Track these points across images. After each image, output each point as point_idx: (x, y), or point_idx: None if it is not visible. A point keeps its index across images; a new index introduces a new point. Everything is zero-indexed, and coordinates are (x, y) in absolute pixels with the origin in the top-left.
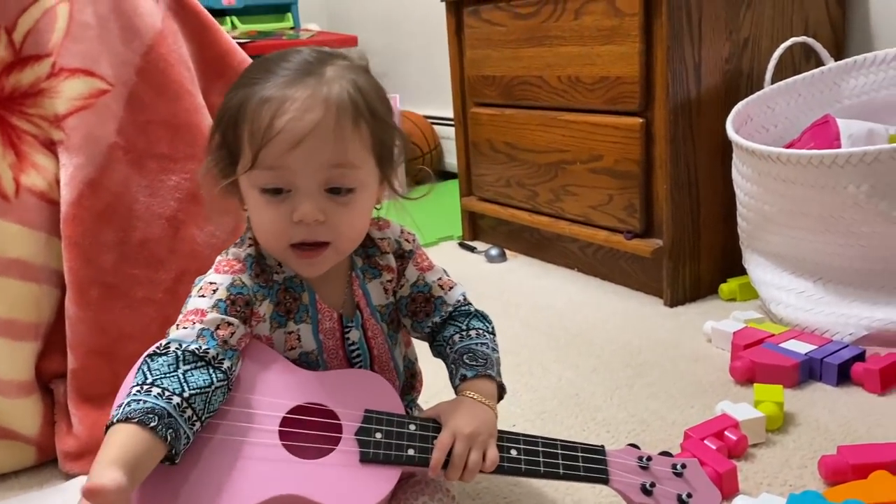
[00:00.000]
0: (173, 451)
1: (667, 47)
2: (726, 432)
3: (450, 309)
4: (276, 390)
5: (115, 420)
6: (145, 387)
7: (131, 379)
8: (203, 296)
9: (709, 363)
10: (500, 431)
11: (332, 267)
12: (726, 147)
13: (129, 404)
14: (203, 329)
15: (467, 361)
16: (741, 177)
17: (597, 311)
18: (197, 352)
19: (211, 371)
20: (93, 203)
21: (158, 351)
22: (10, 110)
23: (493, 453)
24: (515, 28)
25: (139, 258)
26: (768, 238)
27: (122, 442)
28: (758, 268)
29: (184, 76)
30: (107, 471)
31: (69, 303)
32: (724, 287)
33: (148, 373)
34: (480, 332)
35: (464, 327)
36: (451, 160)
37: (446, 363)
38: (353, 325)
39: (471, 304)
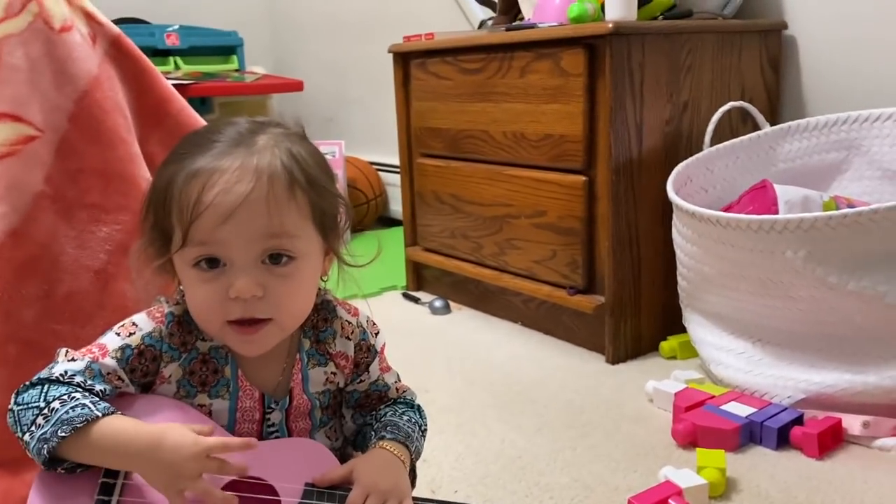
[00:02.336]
0: None
1: (610, 108)
2: (670, 500)
3: (391, 402)
4: None
5: (67, 431)
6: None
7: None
8: (119, 334)
9: (651, 424)
10: (414, 498)
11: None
12: (667, 207)
13: (71, 409)
14: (93, 366)
15: (390, 430)
16: (681, 237)
17: (540, 367)
18: (84, 385)
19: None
20: (14, 254)
21: (48, 379)
22: None
23: None
24: (462, 82)
25: (64, 313)
26: (708, 298)
27: (128, 423)
28: (698, 327)
29: (119, 123)
30: (191, 433)
31: None
32: (664, 345)
33: (76, 394)
34: (413, 420)
35: (399, 410)
36: (396, 207)
37: (367, 433)
38: (276, 407)
39: (415, 401)
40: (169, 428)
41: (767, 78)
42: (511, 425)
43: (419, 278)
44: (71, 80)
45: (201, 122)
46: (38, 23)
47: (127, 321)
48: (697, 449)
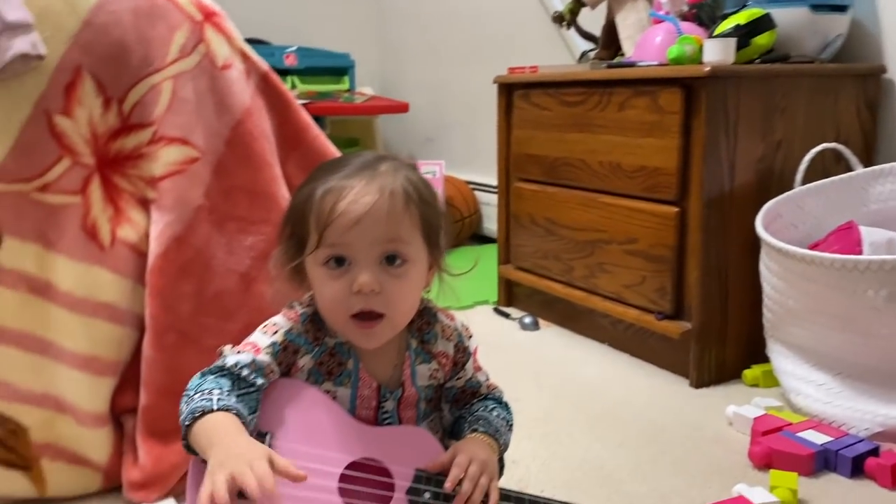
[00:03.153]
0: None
1: (703, 145)
2: None
3: (482, 397)
4: (333, 443)
5: (191, 417)
6: (206, 394)
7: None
8: (265, 333)
9: (729, 446)
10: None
11: (386, 343)
12: (756, 240)
13: (202, 401)
14: (256, 360)
15: (482, 424)
16: (768, 271)
17: (625, 386)
18: (248, 378)
19: (258, 398)
20: (177, 257)
21: (222, 368)
22: (114, 170)
23: (496, 492)
24: (562, 113)
25: (212, 309)
26: (791, 330)
27: (230, 420)
28: (780, 357)
29: (265, 149)
30: (260, 457)
31: (147, 345)
32: (747, 373)
33: (217, 390)
34: (501, 415)
35: (489, 406)
36: (490, 225)
37: (461, 426)
38: (390, 397)
39: (503, 398)
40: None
41: (864, 120)
42: (595, 437)
43: (510, 295)
44: (228, 111)
45: (332, 148)
46: (205, 62)
47: (269, 322)
48: (771, 470)
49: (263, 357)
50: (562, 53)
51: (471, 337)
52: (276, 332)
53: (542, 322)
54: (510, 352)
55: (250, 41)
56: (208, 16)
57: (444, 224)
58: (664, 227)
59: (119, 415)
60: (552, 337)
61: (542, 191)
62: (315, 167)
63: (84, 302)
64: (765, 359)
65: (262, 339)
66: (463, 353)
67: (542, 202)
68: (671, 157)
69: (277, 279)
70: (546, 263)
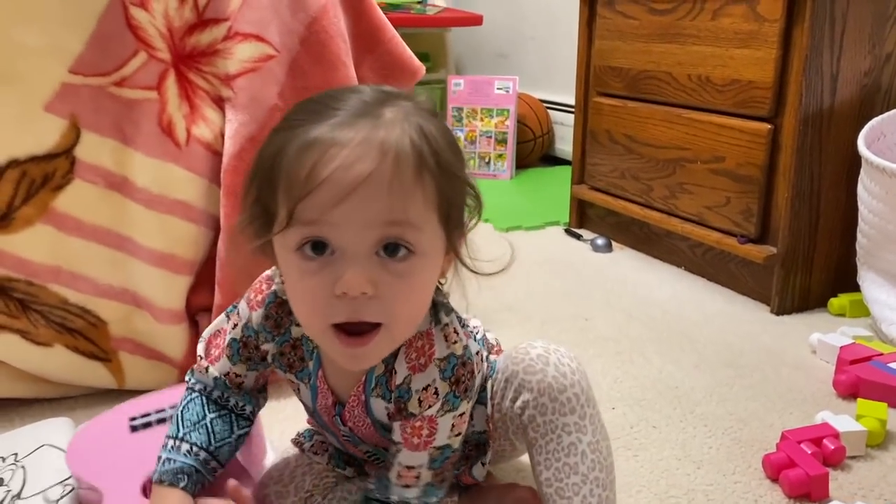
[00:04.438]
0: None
1: (805, 56)
2: (825, 440)
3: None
4: None
5: (154, 479)
6: (177, 442)
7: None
8: (233, 324)
9: (812, 374)
10: None
11: None
12: (854, 161)
13: (163, 463)
14: (216, 378)
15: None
16: (867, 193)
17: (701, 310)
18: (219, 400)
19: (233, 418)
20: (251, 157)
21: (192, 390)
22: (189, 66)
23: None
24: (649, 23)
25: None
26: (887, 257)
27: None
28: (873, 286)
29: (340, 48)
30: None
31: (221, 245)
32: (834, 301)
33: (180, 424)
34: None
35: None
36: (562, 146)
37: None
38: (339, 415)
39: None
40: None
41: None
42: (669, 359)
43: (583, 216)
44: (304, 7)
45: (408, 52)
46: None
47: (236, 307)
48: (858, 399)
49: (222, 365)
50: None
51: (436, 396)
52: (235, 326)
53: (615, 244)
54: (581, 272)
55: None
56: None
57: (471, 196)
58: (754, 144)
59: (195, 313)
60: (626, 259)
61: (622, 106)
62: (302, 103)
63: (160, 199)
64: (852, 288)
65: (227, 334)
66: (398, 410)
67: (622, 118)
68: (767, 70)
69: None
70: (623, 183)
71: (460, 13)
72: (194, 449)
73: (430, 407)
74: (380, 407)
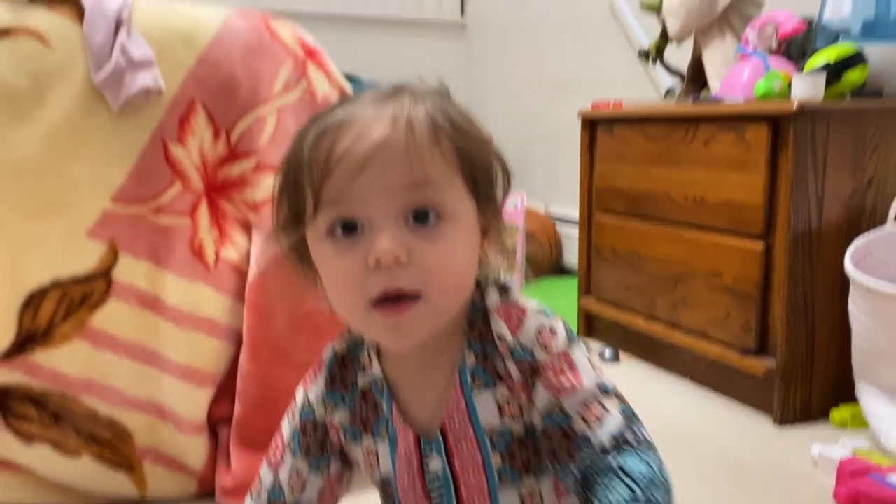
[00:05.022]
0: None
1: (791, 181)
2: None
3: (597, 455)
4: None
5: None
6: None
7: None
8: (290, 415)
9: (813, 486)
10: None
11: (429, 353)
12: (844, 278)
13: None
14: (272, 490)
15: None
16: (857, 309)
17: (706, 421)
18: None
19: None
20: (275, 277)
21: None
22: (220, 195)
23: None
24: (646, 147)
25: (305, 326)
26: (882, 371)
27: None
28: (870, 399)
29: None
30: None
31: (243, 359)
32: (835, 413)
33: None
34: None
35: (615, 488)
36: (569, 258)
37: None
38: (432, 452)
39: (630, 441)
40: None
41: None
42: (673, 470)
43: (590, 327)
44: None
45: None
46: (307, 96)
47: (293, 401)
48: None
49: (284, 465)
50: (647, 88)
51: (549, 342)
52: (292, 415)
53: (622, 355)
54: None
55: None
56: (310, 53)
57: (497, 164)
58: (749, 262)
59: (215, 424)
60: (632, 370)
61: (624, 224)
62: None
63: (188, 316)
64: (854, 399)
65: (286, 431)
66: (532, 374)
67: (624, 235)
68: (757, 193)
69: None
70: (628, 296)
71: None
72: None
73: (554, 346)
74: (488, 404)
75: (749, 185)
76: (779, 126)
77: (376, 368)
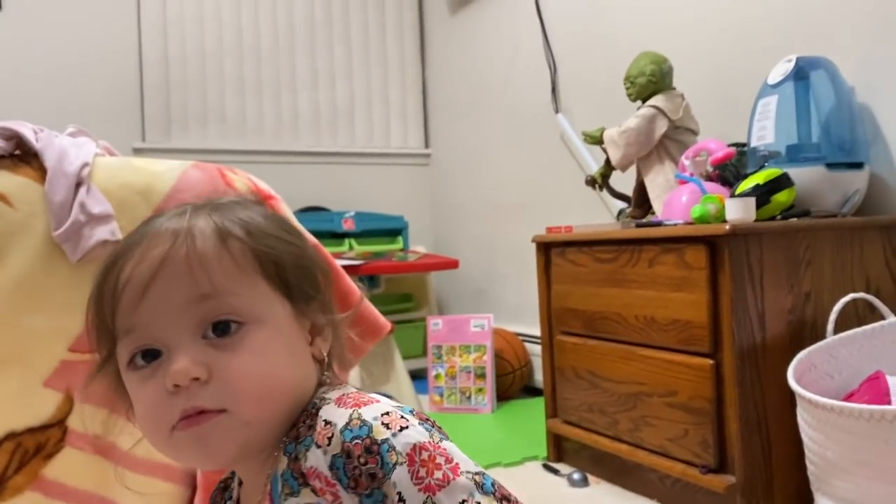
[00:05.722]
0: None
1: (731, 298)
2: None
3: None
4: None
5: None
6: None
7: None
8: None
9: None
10: None
11: (251, 461)
12: (792, 392)
13: None
14: None
15: None
16: (805, 423)
17: None
18: None
19: None
20: None
21: None
22: None
23: None
24: (597, 269)
25: None
26: (835, 483)
27: None
28: None
29: None
30: None
31: (198, 500)
32: None
33: None
34: None
35: None
36: (540, 377)
37: None
38: None
39: None
40: None
41: (894, 269)
42: None
43: (559, 449)
44: None
45: (377, 313)
46: None
47: None
48: None
49: None
50: (601, 211)
51: (403, 429)
52: None
53: (591, 478)
54: None
55: (311, 209)
56: (266, 198)
57: (312, 260)
58: (701, 379)
59: None
60: (601, 495)
61: (583, 344)
62: None
63: (143, 462)
64: None
65: None
66: (368, 458)
67: (583, 355)
68: (701, 311)
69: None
70: (591, 417)
71: (438, 258)
72: None
73: (407, 436)
74: None
75: (693, 303)
76: (715, 247)
77: (235, 489)
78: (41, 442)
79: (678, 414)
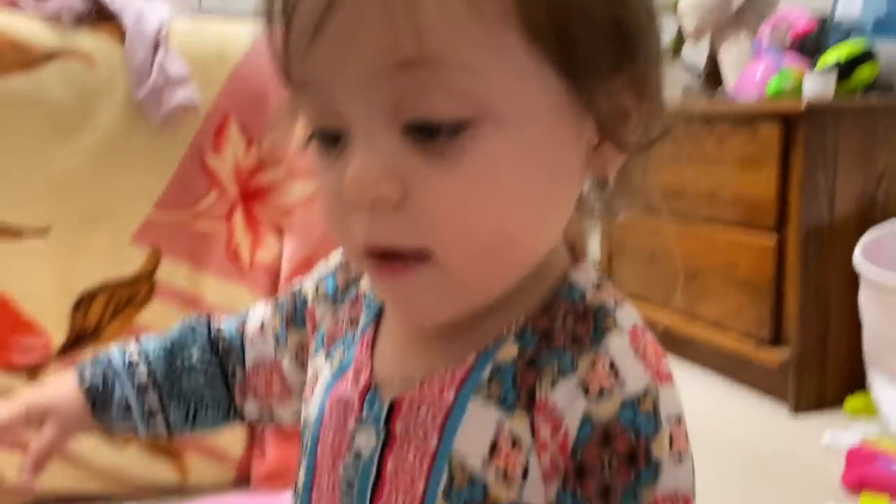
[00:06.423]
0: (97, 411)
1: (801, 178)
2: None
3: None
4: None
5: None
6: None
7: None
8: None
9: (824, 472)
10: None
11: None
12: (856, 271)
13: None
14: (235, 330)
15: None
16: (867, 301)
17: (722, 411)
18: (221, 354)
19: (220, 387)
20: (305, 275)
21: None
22: (254, 201)
23: None
24: (662, 145)
25: None
26: (892, 360)
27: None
28: (882, 386)
29: None
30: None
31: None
32: (849, 401)
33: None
34: None
35: None
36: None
37: None
38: (368, 419)
39: None
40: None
41: None
42: None
43: None
44: None
45: None
46: None
47: None
48: (863, 494)
49: (257, 314)
50: (670, 84)
51: (678, 457)
52: (308, 277)
53: None
54: None
55: None
56: None
57: (638, 12)
58: (763, 256)
59: None
60: None
61: (642, 220)
62: None
63: (226, 314)
64: (867, 388)
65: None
66: (615, 457)
67: (641, 231)
68: (769, 189)
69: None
70: (646, 291)
71: None
72: (140, 368)
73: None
74: (482, 427)
75: (762, 182)
76: (790, 124)
77: (364, 293)
78: (132, 293)
79: (736, 290)
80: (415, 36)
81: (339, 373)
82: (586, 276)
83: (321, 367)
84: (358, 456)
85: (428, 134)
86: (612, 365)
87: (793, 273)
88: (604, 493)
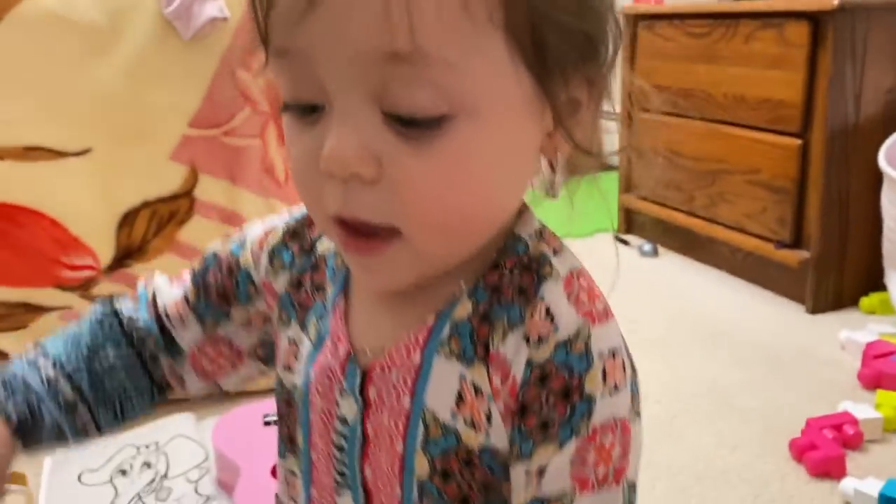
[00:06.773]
0: (28, 442)
1: (829, 78)
2: (844, 426)
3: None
4: None
5: None
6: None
7: None
8: (222, 240)
9: (840, 367)
10: None
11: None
12: (879, 172)
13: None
14: (149, 304)
15: None
16: (889, 202)
17: (741, 311)
18: (134, 339)
19: (140, 370)
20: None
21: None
22: None
23: None
24: (686, 45)
25: None
26: None
27: None
28: None
29: None
30: None
31: None
32: (864, 300)
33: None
34: None
35: None
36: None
37: None
38: (347, 388)
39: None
40: None
41: None
42: (709, 356)
43: (630, 223)
44: None
45: None
46: None
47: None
48: (879, 390)
49: (176, 290)
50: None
51: (613, 390)
52: (223, 242)
53: (660, 249)
54: (628, 277)
55: None
56: None
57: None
58: (786, 158)
59: None
60: (670, 264)
61: (664, 121)
62: None
63: None
64: (883, 287)
65: (207, 254)
66: (553, 395)
67: (663, 133)
68: (796, 90)
69: None
70: (667, 193)
71: None
72: (46, 365)
73: (618, 400)
74: (446, 381)
75: (788, 82)
76: (819, 23)
77: (327, 261)
78: (173, 210)
79: (758, 191)
80: (409, 31)
81: (319, 343)
82: (529, 227)
83: (299, 339)
84: (344, 421)
85: (407, 123)
86: (548, 311)
87: (816, 175)
88: (543, 427)
